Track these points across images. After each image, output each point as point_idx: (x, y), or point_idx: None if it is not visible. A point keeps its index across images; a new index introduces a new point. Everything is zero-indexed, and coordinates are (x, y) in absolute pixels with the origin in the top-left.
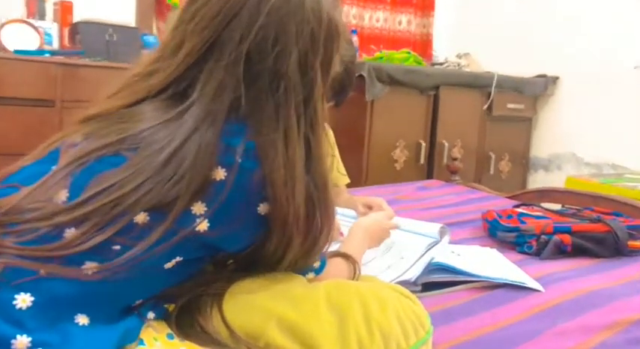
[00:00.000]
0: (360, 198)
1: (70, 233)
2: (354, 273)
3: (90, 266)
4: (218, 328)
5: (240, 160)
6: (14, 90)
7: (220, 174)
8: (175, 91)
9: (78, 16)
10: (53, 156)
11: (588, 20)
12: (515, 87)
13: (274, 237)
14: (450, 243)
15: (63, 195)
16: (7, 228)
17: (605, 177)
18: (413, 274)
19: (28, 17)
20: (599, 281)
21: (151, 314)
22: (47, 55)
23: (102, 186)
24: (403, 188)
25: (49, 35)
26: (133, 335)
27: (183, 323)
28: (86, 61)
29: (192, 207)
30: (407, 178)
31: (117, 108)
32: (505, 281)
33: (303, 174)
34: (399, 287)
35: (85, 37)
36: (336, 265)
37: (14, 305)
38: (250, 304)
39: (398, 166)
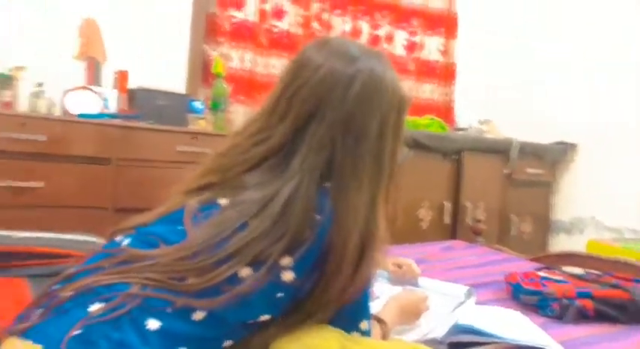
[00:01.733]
0: (391, 258)
1: (193, 280)
2: (385, 337)
3: (200, 303)
4: None
5: (320, 218)
6: (76, 149)
7: (307, 232)
8: (284, 155)
9: (134, 83)
10: (177, 221)
11: (604, 89)
12: (534, 152)
13: (325, 273)
14: (476, 304)
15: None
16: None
17: (627, 242)
18: (440, 333)
19: (88, 84)
20: (619, 347)
21: None
22: (106, 118)
23: (218, 237)
24: (428, 248)
25: (106, 100)
26: None
27: None
28: (140, 123)
29: (280, 260)
30: (432, 237)
31: (228, 178)
32: (529, 344)
33: (364, 222)
34: (421, 346)
35: (140, 102)
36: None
37: (145, 325)
38: None
39: (424, 225)
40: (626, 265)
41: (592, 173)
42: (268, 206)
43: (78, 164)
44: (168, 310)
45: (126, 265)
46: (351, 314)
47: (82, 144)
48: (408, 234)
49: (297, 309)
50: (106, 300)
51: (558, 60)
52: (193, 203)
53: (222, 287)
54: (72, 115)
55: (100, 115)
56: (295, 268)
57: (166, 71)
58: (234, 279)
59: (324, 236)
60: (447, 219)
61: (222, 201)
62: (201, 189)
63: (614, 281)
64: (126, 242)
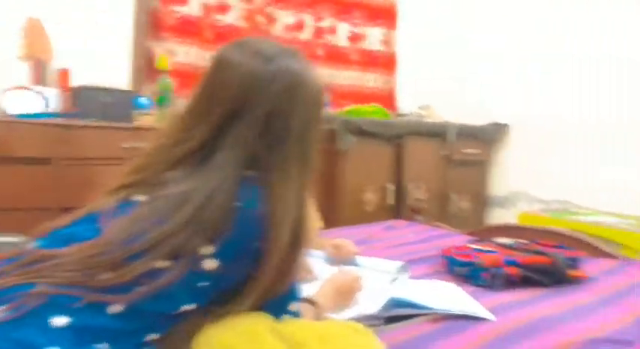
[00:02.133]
0: (329, 239)
1: (105, 275)
2: (318, 318)
3: (114, 298)
4: None
5: (242, 204)
6: (16, 151)
7: (230, 219)
8: (206, 152)
9: (79, 81)
10: (92, 220)
11: (531, 74)
12: (470, 134)
13: (259, 266)
14: (413, 278)
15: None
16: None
17: (554, 212)
18: (375, 308)
19: (33, 84)
20: (545, 308)
21: None
22: (47, 117)
23: (134, 233)
24: (371, 228)
25: (47, 99)
26: None
27: None
28: (82, 121)
29: (201, 249)
30: (376, 219)
31: (149, 176)
32: (460, 313)
33: (295, 217)
34: (353, 323)
35: (82, 101)
36: (303, 309)
37: (49, 322)
38: (216, 342)
39: (368, 208)
40: (550, 233)
41: (523, 151)
42: (188, 200)
43: (19, 165)
44: (78, 305)
45: (33, 266)
46: (280, 298)
47: (23, 145)
48: (354, 217)
49: (226, 298)
50: (7, 302)
51: (491, 48)
52: (111, 201)
53: (138, 280)
54: (11, 116)
55: (41, 115)
56: (217, 256)
57: (110, 68)
58: (151, 273)
59: (247, 224)
60: (391, 201)
61: (141, 198)
62: (122, 188)
63: (539, 248)
64: (36, 244)
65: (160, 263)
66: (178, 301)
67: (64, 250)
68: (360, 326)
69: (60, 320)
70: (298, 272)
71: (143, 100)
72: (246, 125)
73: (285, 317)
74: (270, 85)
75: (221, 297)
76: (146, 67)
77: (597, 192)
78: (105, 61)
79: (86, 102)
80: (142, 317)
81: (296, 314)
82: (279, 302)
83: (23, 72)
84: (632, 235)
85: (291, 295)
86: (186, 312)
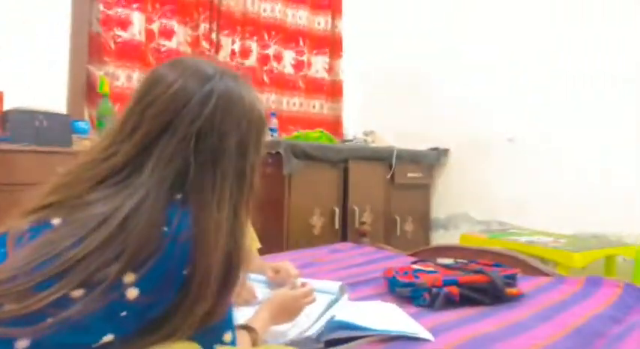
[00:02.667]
0: (270, 263)
1: (8, 306)
2: (255, 344)
3: (20, 332)
4: None
5: (169, 230)
6: None
7: (156, 248)
8: (131, 170)
9: (10, 104)
10: (2, 240)
11: (471, 101)
12: (412, 158)
13: (190, 293)
14: (355, 299)
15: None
16: None
17: (493, 232)
18: (315, 330)
19: None
20: (482, 326)
21: None
22: None
23: (43, 257)
24: (317, 252)
25: None
26: None
27: None
28: (13, 146)
29: (123, 277)
30: (324, 242)
31: (70, 196)
32: (400, 334)
33: (228, 237)
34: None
35: (13, 124)
36: (238, 336)
37: None
38: None
39: (315, 231)
40: (489, 252)
41: (463, 174)
42: (106, 222)
43: None
44: None
45: None
46: (214, 327)
47: None
48: (302, 240)
49: (152, 328)
50: None
51: (432, 77)
52: (22, 224)
53: (47, 311)
54: None
55: None
56: (140, 285)
57: (47, 92)
58: (63, 302)
59: (173, 250)
60: (337, 224)
61: (55, 221)
62: (39, 209)
63: (478, 267)
64: None
65: (74, 293)
66: (96, 332)
67: None
68: None
69: None
70: (232, 299)
71: (82, 124)
72: (175, 143)
73: (219, 347)
74: (204, 104)
75: (146, 327)
76: (87, 91)
77: (533, 212)
78: (41, 84)
79: (18, 125)
80: None
81: (231, 344)
82: (211, 332)
83: None
84: (564, 253)
85: (225, 324)
86: (107, 345)
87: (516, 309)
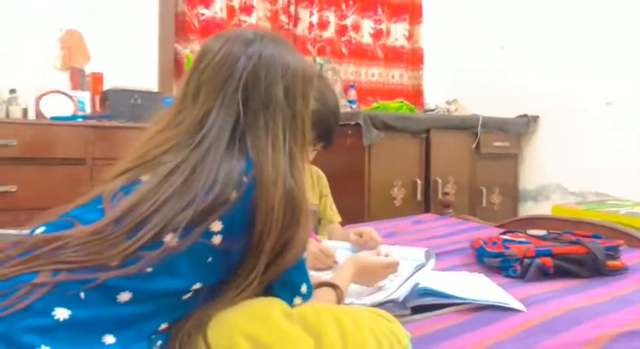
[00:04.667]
0: (352, 228)
1: (109, 252)
2: (340, 301)
3: (123, 272)
4: None
5: (245, 180)
6: (49, 152)
7: (233, 194)
8: (197, 130)
9: (109, 84)
10: (96, 203)
11: (562, 63)
12: (499, 126)
13: (256, 230)
14: (441, 270)
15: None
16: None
17: (589, 204)
18: (400, 293)
19: (72, 89)
20: (579, 300)
21: (159, 342)
22: (79, 119)
23: (131, 209)
24: (400, 222)
25: (82, 102)
26: None
27: None
28: (113, 123)
29: (211, 225)
30: (405, 214)
31: (147, 160)
32: (489, 303)
33: (287, 177)
34: (375, 309)
35: (112, 103)
36: (322, 293)
37: (53, 315)
38: (230, 328)
39: (397, 203)
40: (586, 224)
41: (554, 142)
42: (175, 173)
43: (52, 166)
44: (84, 294)
45: (34, 252)
46: (290, 279)
47: (56, 147)
48: (382, 212)
49: (232, 279)
50: (5, 296)
51: (519, 39)
52: (115, 183)
53: (141, 254)
54: (45, 118)
55: (73, 117)
56: (223, 231)
57: (140, 71)
58: (155, 245)
59: (250, 197)
60: (419, 196)
61: (145, 178)
62: (124, 172)
63: (574, 238)
64: (40, 230)
65: (165, 237)
66: (187, 279)
67: (67, 232)
68: (383, 312)
69: (63, 313)
70: (303, 246)
71: (171, 100)
72: (229, 97)
73: (297, 299)
74: (249, 61)
75: (229, 276)
76: (175, 69)
77: (633, 183)
78: (135, 64)
79: (116, 104)
80: (150, 300)
81: (307, 296)
82: (289, 284)
83: (63, 78)
84: None
85: (300, 276)
86: (196, 296)
87: (619, 283)
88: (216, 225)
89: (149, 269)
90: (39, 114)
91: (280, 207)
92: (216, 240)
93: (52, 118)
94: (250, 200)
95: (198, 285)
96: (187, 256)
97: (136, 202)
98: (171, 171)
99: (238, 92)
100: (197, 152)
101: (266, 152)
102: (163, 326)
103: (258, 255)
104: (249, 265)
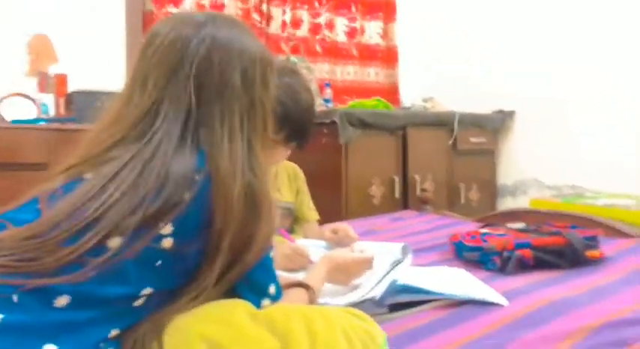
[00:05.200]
0: (327, 225)
1: (47, 258)
2: (313, 302)
3: (59, 280)
4: None
5: (198, 178)
6: (12, 156)
7: (186, 194)
8: (147, 122)
9: (75, 86)
10: (34, 203)
11: (536, 58)
12: (475, 123)
13: (216, 228)
14: (420, 265)
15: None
16: None
17: (566, 197)
18: (377, 292)
19: (39, 91)
20: (561, 291)
21: None
22: (42, 123)
23: (74, 210)
24: (379, 220)
25: (45, 105)
26: None
27: None
28: (78, 126)
29: (160, 229)
30: (384, 212)
31: (94, 155)
32: (469, 298)
33: (245, 170)
34: (350, 308)
35: (77, 105)
36: (293, 294)
37: None
38: (189, 333)
39: (375, 201)
40: (564, 216)
41: (530, 137)
42: (122, 171)
43: (14, 171)
44: (15, 298)
45: None
46: (256, 280)
47: (17, 151)
48: (361, 211)
49: (189, 283)
50: None
51: (493, 35)
52: (54, 183)
53: (85, 260)
54: (5, 122)
55: (35, 120)
56: (174, 234)
57: (106, 73)
58: (100, 251)
59: (205, 196)
60: (397, 194)
61: (87, 176)
62: (69, 169)
63: (553, 229)
64: None
65: (110, 242)
66: (135, 284)
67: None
68: (358, 311)
69: None
70: (267, 243)
71: None
72: (181, 84)
73: (265, 301)
74: (200, 45)
75: (184, 280)
76: None
77: (609, 175)
78: (101, 65)
79: (81, 106)
80: (94, 306)
81: (276, 297)
82: (255, 285)
83: (31, 84)
84: None
85: (268, 275)
86: (150, 301)
87: (598, 273)
88: (167, 228)
89: (91, 274)
90: (1, 117)
91: (239, 202)
92: (167, 243)
93: (13, 122)
94: (205, 198)
95: (148, 290)
96: (134, 260)
97: (78, 204)
98: (118, 169)
99: (190, 79)
100: (146, 148)
101: (221, 144)
102: (113, 332)
103: (216, 256)
104: (207, 266)
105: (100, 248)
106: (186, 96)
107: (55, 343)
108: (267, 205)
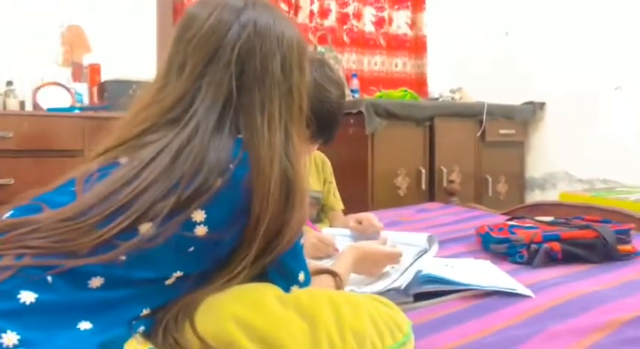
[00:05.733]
0: (352, 215)
1: (80, 240)
2: (339, 289)
3: (92, 260)
4: (191, 341)
5: (233, 167)
6: (47, 143)
7: (218, 181)
8: (183, 107)
9: (108, 75)
10: (69, 185)
11: (568, 48)
12: (505, 114)
13: (252, 216)
14: (445, 257)
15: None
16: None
17: (598, 191)
18: (403, 281)
19: (74, 81)
20: (589, 285)
21: (141, 328)
22: (76, 111)
23: (109, 193)
24: (404, 211)
25: (79, 94)
26: (117, 345)
27: (164, 336)
28: (111, 113)
29: (192, 215)
30: (410, 203)
31: (128, 139)
32: (495, 289)
33: (282, 156)
34: (377, 295)
35: (110, 94)
36: (321, 280)
37: (18, 299)
38: (220, 313)
39: (401, 193)
40: (595, 209)
41: (561, 129)
42: (159, 156)
43: (49, 158)
44: (52, 278)
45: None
46: (286, 266)
47: (53, 138)
48: (387, 202)
49: (222, 267)
50: None
51: (523, 26)
52: (93, 164)
53: (116, 243)
54: (42, 110)
55: (70, 109)
56: (208, 221)
57: (138, 62)
58: (131, 235)
59: (239, 184)
60: (424, 185)
61: (123, 160)
62: (104, 153)
63: (583, 223)
64: (9, 214)
65: (142, 227)
66: (166, 268)
67: (36, 217)
68: (384, 299)
69: (29, 297)
70: (299, 230)
71: None
72: (220, 70)
73: (295, 288)
74: (242, 31)
75: (217, 267)
76: None
77: None
78: (133, 54)
79: (114, 95)
80: (126, 286)
81: (305, 284)
82: (286, 271)
83: (65, 74)
84: None
85: (298, 262)
86: (181, 282)
87: (630, 268)
88: (199, 215)
89: (123, 258)
90: (36, 106)
91: (276, 189)
92: (200, 231)
93: (49, 110)
94: (240, 185)
95: (179, 273)
96: (165, 246)
97: (113, 187)
98: (154, 155)
99: (231, 65)
100: (182, 133)
101: (261, 132)
102: (145, 311)
103: (252, 242)
104: (241, 252)
105: (130, 232)
106: (226, 83)
107: (89, 320)
108: (300, 193)
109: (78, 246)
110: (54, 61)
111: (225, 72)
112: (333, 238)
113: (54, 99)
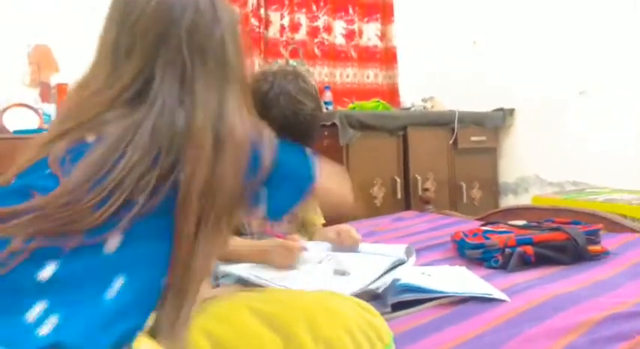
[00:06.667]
0: (330, 227)
1: (85, 220)
2: None
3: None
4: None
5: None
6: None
7: None
8: (139, 86)
9: None
10: (41, 168)
11: (534, 55)
12: (476, 121)
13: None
14: (422, 265)
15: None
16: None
17: (568, 193)
18: (378, 285)
19: (41, 101)
20: (563, 286)
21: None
22: (44, 132)
23: (99, 175)
24: (380, 221)
25: (47, 115)
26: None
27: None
28: None
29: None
30: (387, 213)
31: (86, 120)
32: (472, 295)
33: (215, 120)
34: (357, 299)
35: None
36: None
37: (37, 275)
38: (194, 330)
39: (378, 202)
40: (565, 211)
41: (531, 134)
42: (137, 133)
43: None
44: (67, 251)
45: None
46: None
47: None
48: (364, 212)
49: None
50: None
51: (492, 34)
52: (60, 145)
53: (120, 215)
54: (8, 133)
55: (38, 130)
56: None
57: None
58: (129, 208)
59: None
60: (400, 194)
61: (90, 138)
62: (59, 136)
63: (554, 225)
64: None
65: (141, 198)
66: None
67: (33, 203)
68: (368, 305)
69: (49, 271)
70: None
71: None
72: (173, 48)
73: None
74: (185, 9)
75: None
76: None
77: (610, 171)
78: None
79: None
80: (143, 240)
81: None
82: (291, 176)
83: (32, 94)
84: None
85: (298, 160)
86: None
87: (600, 267)
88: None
89: (119, 236)
90: (2, 128)
91: (209, 149)
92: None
93: (15, 132)
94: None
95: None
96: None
97: (103, 168)
98: (128, 131)
99: (182, 44)
100: (152, 111)
101: (197, 93)
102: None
103: (187, 197)
104: (184, 210)
105: (128, 206)
106: (179, 61)
107: (125, 273)
108: (233, 148)
109: (85, 225)
110: (20, 82)
111: (178, 51)
112: (311, 249)
113: (21, 120)
